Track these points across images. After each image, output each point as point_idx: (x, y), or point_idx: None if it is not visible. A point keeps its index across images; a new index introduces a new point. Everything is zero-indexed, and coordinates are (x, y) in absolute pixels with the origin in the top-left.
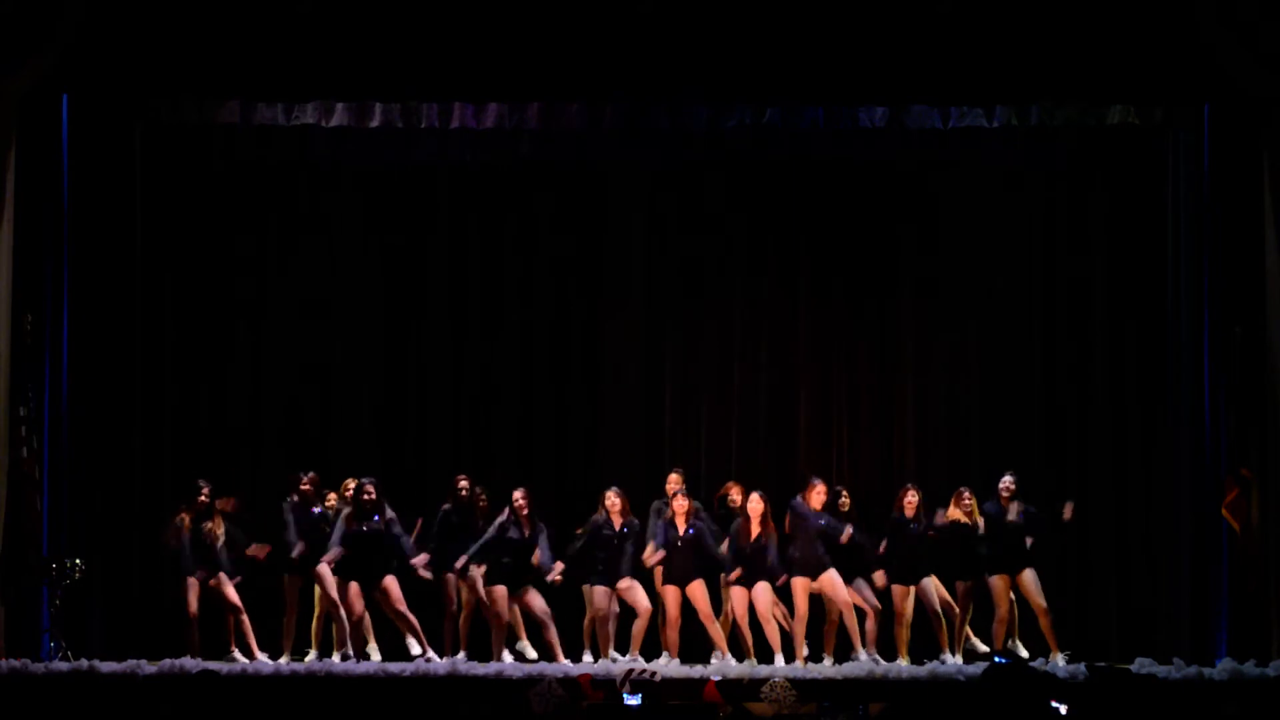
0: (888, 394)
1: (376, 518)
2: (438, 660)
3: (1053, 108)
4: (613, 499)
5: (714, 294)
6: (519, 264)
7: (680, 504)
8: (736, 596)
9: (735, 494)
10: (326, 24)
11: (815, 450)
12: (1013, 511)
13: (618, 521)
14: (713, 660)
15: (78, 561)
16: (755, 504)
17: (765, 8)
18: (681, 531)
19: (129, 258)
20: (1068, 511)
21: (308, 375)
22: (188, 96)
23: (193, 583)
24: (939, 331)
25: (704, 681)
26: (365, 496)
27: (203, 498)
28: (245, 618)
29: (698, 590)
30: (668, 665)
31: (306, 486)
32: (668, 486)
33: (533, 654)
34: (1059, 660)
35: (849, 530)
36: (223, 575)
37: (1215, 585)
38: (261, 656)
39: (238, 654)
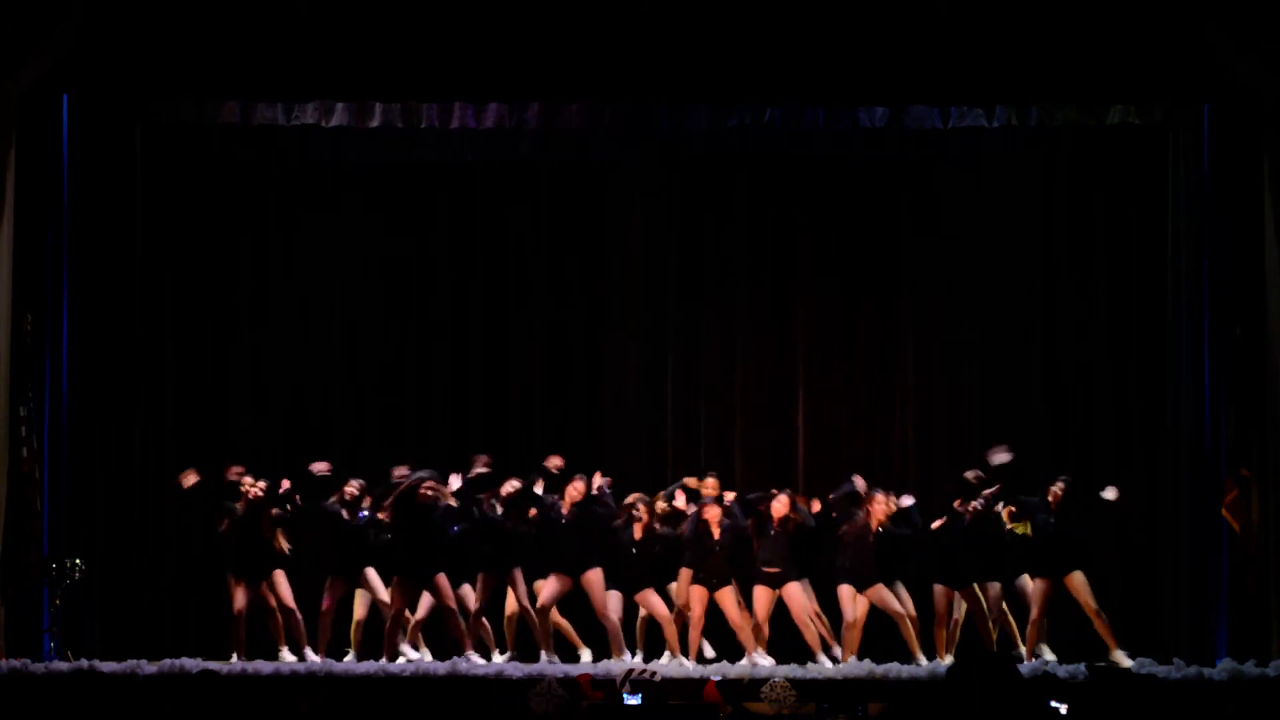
0: (888, 394)
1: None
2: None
3: (1053, 108)
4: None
5: (714, 294)
6: (519, 264)
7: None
8: (759, 597)
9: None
10: (326, 24)
11: (815, 450)
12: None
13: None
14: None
15: (78, 561)
16: (779, 505)
17: (765, 8)
18: (718, 535)
19: (129, 258)
20: (1112, 494)
21: (308, 375)
22: (188, 96)
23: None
24: (939, 331)
25: (704, 681)
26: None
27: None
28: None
29: (729, 594)
30: (668, 665)
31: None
32: (706, 491)
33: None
34: (1121, 657)
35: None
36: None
37: (1215, 585)
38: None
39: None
